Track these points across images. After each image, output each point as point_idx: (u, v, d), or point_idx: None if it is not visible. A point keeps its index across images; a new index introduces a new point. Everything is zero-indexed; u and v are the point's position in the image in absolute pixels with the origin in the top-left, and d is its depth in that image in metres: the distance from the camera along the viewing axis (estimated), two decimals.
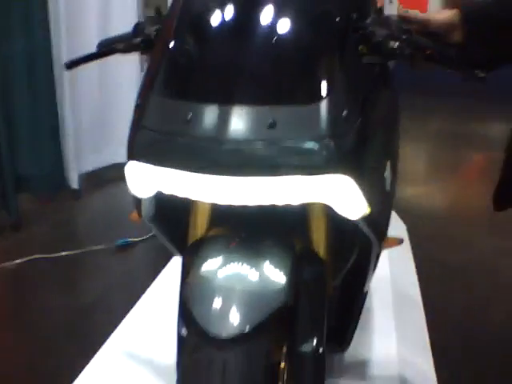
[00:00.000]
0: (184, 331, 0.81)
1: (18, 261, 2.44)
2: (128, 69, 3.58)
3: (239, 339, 0.75)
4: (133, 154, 0.83)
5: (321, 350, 0.93)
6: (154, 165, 0.80)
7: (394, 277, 2.03)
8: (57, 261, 2.47)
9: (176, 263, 2.19)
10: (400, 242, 1.01)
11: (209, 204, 0.99)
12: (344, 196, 0.78)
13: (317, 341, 0.92)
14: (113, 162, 3.60)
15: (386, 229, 0.99)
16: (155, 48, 0.90)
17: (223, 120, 0.74)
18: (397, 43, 0.83)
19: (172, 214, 1.03)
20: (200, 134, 0.74)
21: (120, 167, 3.14)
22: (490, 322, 1.86)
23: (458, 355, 1.70)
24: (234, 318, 0.76)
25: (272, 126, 0.72)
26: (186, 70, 0.81)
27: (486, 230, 2.68)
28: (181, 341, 0.82)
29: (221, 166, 0.74)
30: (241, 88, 0.76)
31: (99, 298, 2.21)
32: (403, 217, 2.66)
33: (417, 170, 4.12)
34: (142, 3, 3.62)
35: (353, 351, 1.42)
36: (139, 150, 0.82)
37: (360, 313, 1.29)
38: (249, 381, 0.76)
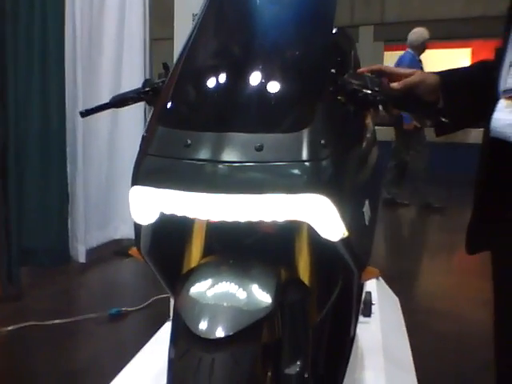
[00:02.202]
0: (176, 337, 0.86)
1: (11, 327, 2.46)
2: (132, 154, 3.82)
3: (225, 341, 0.80)
4: (137, 180, 0.93)
5: (306, 374, 0.96)
6: (157, 187, 0.90)
7: (386, 343, 2.02)
8: (50, 328, 2.49)
9: (167, 329, 2.20)
10: (379, 272, 1.07)
11: (202, 236, 1.07)
12: (322, 216, 0.87)
13: (301, 365, 0.95)
14: (114, 237, 3.78)
15: (366, 261, 1.06)
16: (162, 91, 1.04)
17: (218, 144, 0.85)
18: (369, 92, 0.97)
19: (167, 248, 1.10)
20: (198, 156, 0.85)
21: (119, 243, 3.25)
22: None
23: None
24: (222, 322, 0.82)
25: (259, 149, 0.83)
26: (187, 106, 0.94)
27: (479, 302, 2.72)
28: (173, 347, 0.87)
29: (215, 185, 0.84)
30: (234, 119, 0.88)
31: (89, 363, 2.20)
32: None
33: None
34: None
35: None
36: (143, 175, 0.92)
37: (348, 360, 1.31)
38: (234, 382, 0.80)
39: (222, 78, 0.93)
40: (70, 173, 3.32)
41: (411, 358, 1.99)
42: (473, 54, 8.86)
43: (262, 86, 0.90)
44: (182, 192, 0.87)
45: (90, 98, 3.38)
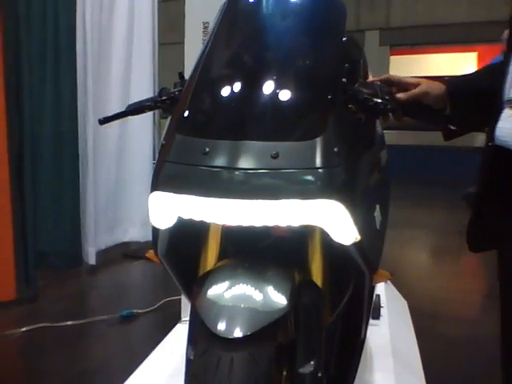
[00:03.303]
0: (194, 338, 0.89)
1: (24, 328, 2.50)
2: (141, 158, 3.90)
3: (243, 341, 0.83)
4: (157, 186, 0.96)
5: (319, 374, 0.99)
6: (176, 193, 0.93)
7: (394, 345, 2.05)
8: (63, 329, 2.54)
9: (179, 331, 2.24)
10: (390, 275, 1.10)
11: (218, 239, 1.10)
12: (336, 221, 0.90)
13: (315, 365, 0.98)
14: (123, 240, 3.84)
15: (377, 263, 1.09)
16: (179, 100, 1.08)
17: (235, 152, 0.88)
18: (379, 100, 1.00)
19: (183, 251, 1.14)
20: (216, 163, 0.89)
21: (128, 246, 3.28)
22: None
23: None
24: (240, 323, 0.85)
25: (275, 156, 0.87)
26: (205, 114, 0.98)
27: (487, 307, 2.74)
28: (191, 347, 0.90)
29: (233, 191, 0.87)
30: (250, 128, 0.91)
31: (102, 364, 2.24)
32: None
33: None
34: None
35: None
36: (163, 181, 0.95)
37: (358, 362, 1.34)
38: (252, 382, 0.83)
39: (238, 87, 0.96)
40: (81, 176, 3.38)
41: (420, 360, 2.02)
42: (479, 58, 8.87)
43: (277, 96, 0.93)
44: (201, 198, 0.91)
45: (99, 102, 3.44)
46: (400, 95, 1.10)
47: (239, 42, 1.09)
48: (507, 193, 1.05)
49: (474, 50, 8.45)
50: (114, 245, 3.79)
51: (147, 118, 3.80)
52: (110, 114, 1.24)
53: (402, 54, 9.60)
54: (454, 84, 1.17)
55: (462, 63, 9.74)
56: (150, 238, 3.55)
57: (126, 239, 3.89)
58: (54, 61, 3.11)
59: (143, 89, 3.78)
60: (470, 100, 1.14)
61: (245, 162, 0.88)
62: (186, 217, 0.96)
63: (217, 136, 0.91)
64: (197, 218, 0.95)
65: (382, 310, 2.23)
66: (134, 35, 3.79)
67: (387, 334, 2.15)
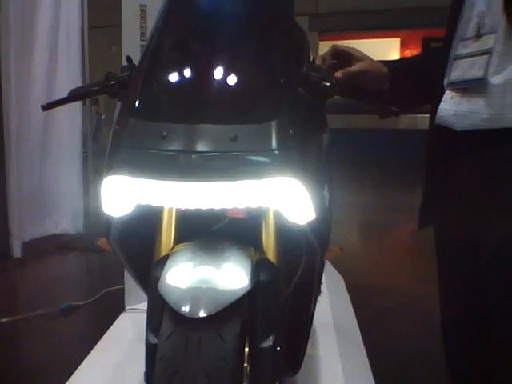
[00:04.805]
0: (155, 322, 0.91)
1: None
2: (69, 145, 3.76)
3: (210, 320, 0.86)
4: (112, 170, 0.94)
5: (278, 347, 1.03)
6: (133, 177, 0.92)
7: (336, 319, 2.16)
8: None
9: (124, 319, 2.21)
10: (340, 250, 1.16)
11: (172, 224, 1.10)
12: (293, 200, 0.94)
13: (274, 339, 1.02)
14: (54, 232, 3.71)
15: (328, 240, 1.15)
16: (131, 85, 1.06)
17: (194, 136, 0.89)
18: (327, 83, 1.05)
19: (136, 238, 1.13)
20: (175, 147, 0.89)
21: (60, 238, 3.17)
22: (422, 354, 2.07)
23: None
24: (205, 302, 0.87)
25: (234, 139, 0.89)
26: (161, 98, 0.98)
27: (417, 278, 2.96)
28: (151, 331, 0.92)
29: (192, 174, 0.88)
30: (208, 112, 0.92)
31: (45, 359, 2.16)
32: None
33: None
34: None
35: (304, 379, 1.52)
36: (118, 165, 0.94)
37: (309, 334, 1.40)
38: (221, 359, 0.86)
39: (194, 70, 0.97)
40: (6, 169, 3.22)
41: (359, 332, 2.14)
42: (402, 44, 9.28)
43: (232, 80, 0.95)
44: (159, 181, 0.90)
45: (22, 90, 3.26)
46: (337, 74, 1.16)
47: (190, 24, 1.09)
48: (449, 170, 1.14)
49: (397, 36, 8.83)
50: (45, 237, 3.65)
51: (74, 104, 3.64)
52: (43, 101, 1.20)
53: (330, 40, 9.82)
54: (395, 66, 1.26)
55: (387, 49, 10.18)
56: (81, 229, 3.49)
57: (58, 231, 3.76)
58: None
59: (71, 73, 3.62)
60: (408, 80, 1.23)
61: (205, 146, 0.88)
62: (142, 202, 0.96)
63: (174, 120, 0.91)
64: (154, 203, 0.94)
65: (321, 286, 2.33)
66: (61, 18, 3.61)
67: (328, 309, 2.26)
